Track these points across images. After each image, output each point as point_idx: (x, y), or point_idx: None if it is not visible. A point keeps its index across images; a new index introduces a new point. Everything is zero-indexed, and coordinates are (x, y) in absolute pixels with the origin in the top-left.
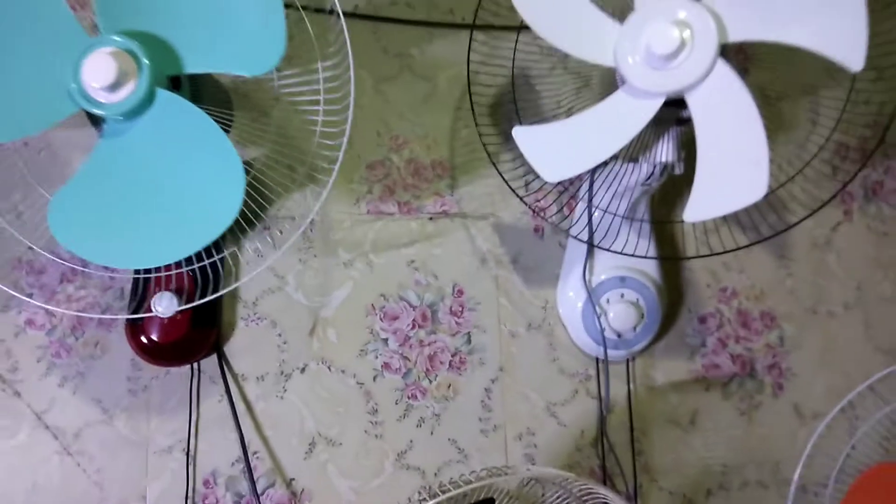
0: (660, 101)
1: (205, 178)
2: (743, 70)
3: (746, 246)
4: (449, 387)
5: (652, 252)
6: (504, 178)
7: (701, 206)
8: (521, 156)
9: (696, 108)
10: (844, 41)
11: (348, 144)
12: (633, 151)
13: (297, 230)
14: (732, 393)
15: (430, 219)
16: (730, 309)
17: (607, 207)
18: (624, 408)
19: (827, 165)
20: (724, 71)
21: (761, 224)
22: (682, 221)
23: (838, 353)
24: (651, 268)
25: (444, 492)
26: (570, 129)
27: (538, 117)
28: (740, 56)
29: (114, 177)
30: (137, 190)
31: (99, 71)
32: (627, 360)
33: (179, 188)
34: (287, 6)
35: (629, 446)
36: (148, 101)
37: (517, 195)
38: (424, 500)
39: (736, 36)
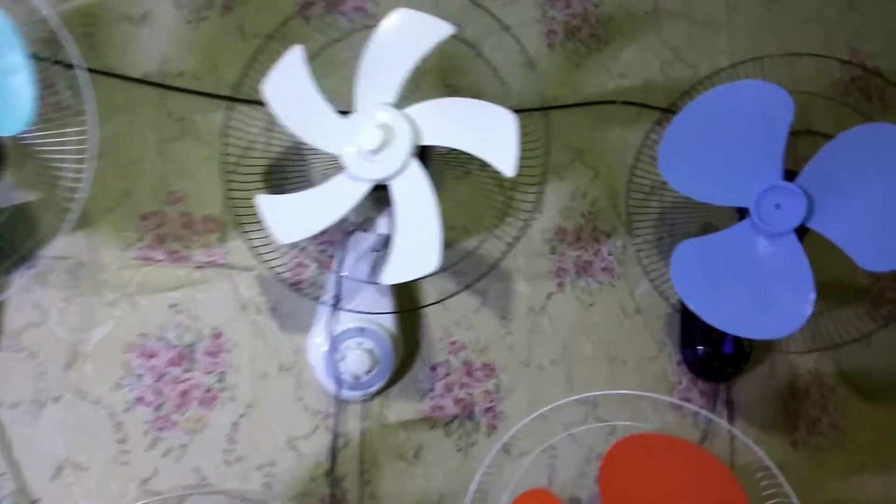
0: (369, 185)
1: None
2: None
3: (450, 296)
4: (199, 420)
5: (388, 308)
6: (250, 246)
7: (395, 272)
8: None
9: (396, 194)
10: (503, 157)
11: (125, 195)
12: (364, 225)
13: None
14: (453, 431)
15: (198, 268)
16: (457, 359)
17: (351, 271)
18: (359, 442)
19: (547, 245)
20: (416, 167)
21: (489, 290)
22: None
23: (543, 401)
24: (389, 321)
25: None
26: (302, 201)
27: (308, 182)
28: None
29: None
30: None
31: None
32: (365, 400)
33: None
34: (40, 58)
35: (360, 477)
36: None
37: (263, 260)
38: None
39: (428, 140)
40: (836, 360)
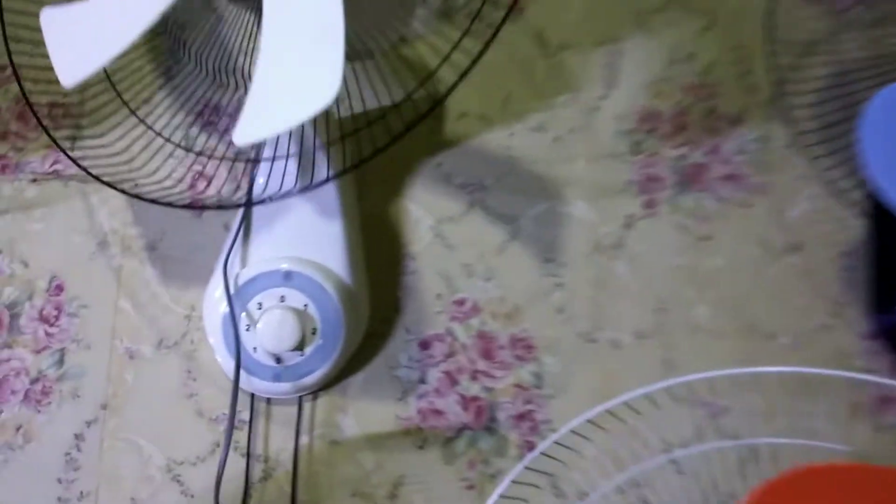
0: None
1: None
2: (518, 8)
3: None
4: (18, 429)
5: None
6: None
7: (257, 120)
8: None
9: None
10: None
11: None
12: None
13: None
14: (459, 454)
15: (34, 181)
16: (467, 331)
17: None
18: (289, 471)
19: (624, 140)
20: None
21: (522, 213)
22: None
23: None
24: (337, 262)
25: None
26: (97, 7)
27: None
28: None
29: None
30: None
31: None
32: (300, 399)
33: None
34: None
35: None
36: None
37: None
38: None
39: None
40: None
